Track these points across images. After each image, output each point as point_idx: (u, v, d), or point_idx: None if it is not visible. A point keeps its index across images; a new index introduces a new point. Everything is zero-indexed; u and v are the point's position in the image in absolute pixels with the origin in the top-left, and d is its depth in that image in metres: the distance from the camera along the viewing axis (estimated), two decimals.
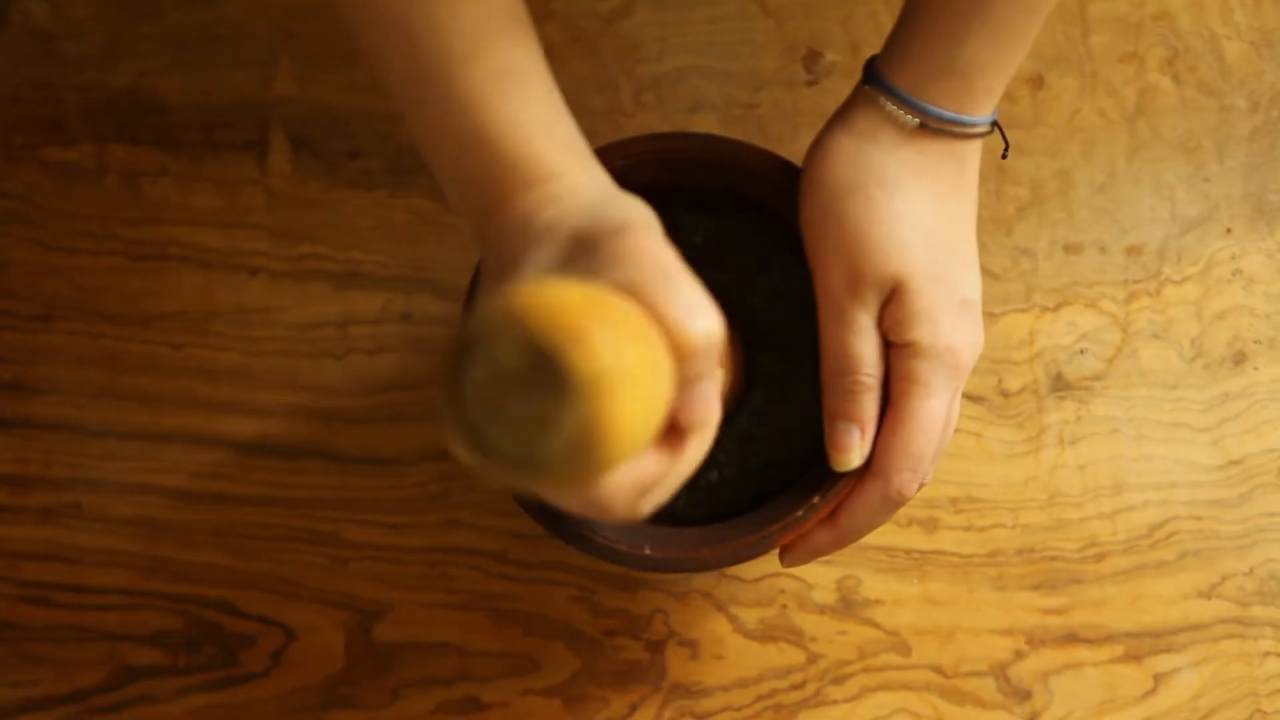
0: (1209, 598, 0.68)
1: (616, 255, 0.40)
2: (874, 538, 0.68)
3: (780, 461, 0.61)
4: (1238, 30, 0.72)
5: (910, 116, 0.52)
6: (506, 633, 0.68)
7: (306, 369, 0.70)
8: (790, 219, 0.59)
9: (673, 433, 0.41)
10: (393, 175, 0.71)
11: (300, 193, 0.71)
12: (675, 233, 0.61)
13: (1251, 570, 0.68)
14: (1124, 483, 0.69)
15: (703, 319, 0.39)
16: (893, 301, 0.52)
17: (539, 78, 0.48)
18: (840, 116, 0.54)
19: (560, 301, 0.32)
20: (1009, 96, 0.71)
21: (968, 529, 0.68)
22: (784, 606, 0.68)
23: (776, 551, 0.57)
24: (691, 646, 0.68)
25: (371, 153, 0.71)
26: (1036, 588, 0.68)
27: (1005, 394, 0.69)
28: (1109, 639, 0.68)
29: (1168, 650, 0.68)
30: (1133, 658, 0.68)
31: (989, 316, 0.69)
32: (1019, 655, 0.68)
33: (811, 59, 0.71)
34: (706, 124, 0.71)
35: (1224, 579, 0.68)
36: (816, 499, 0.56)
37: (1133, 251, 0.70)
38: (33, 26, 0.73)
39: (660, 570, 0.56)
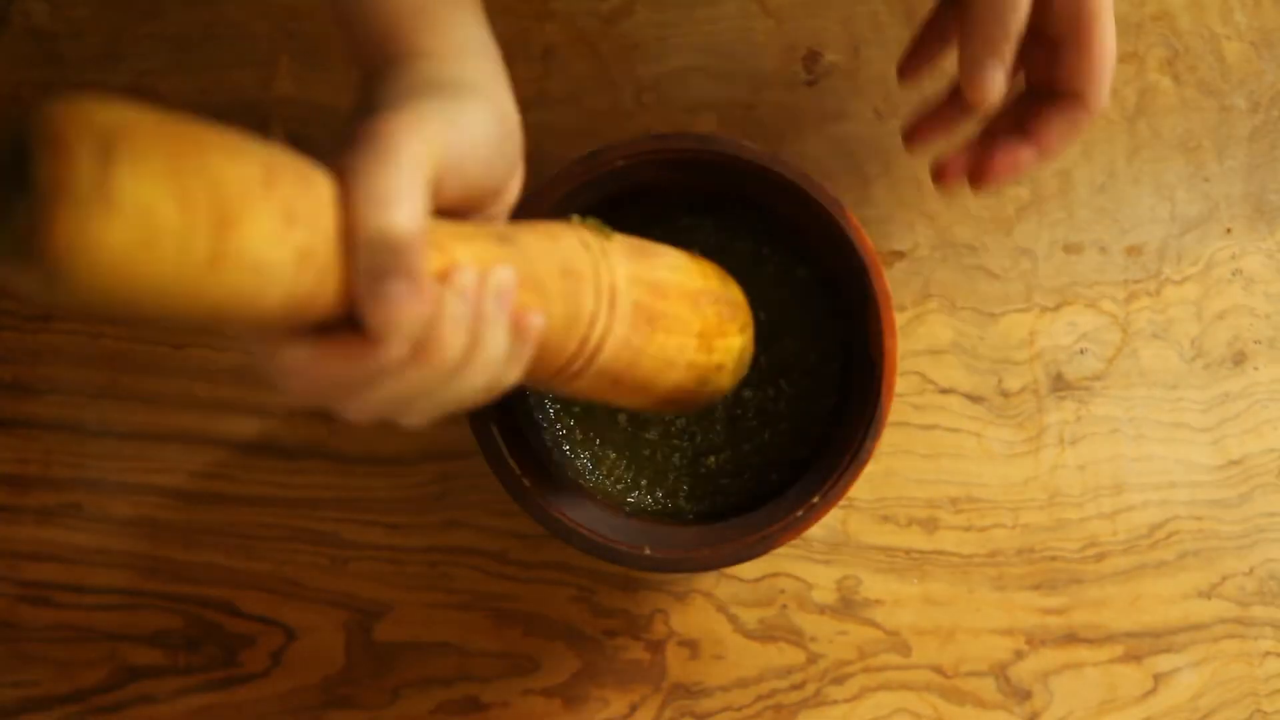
0: (1209, 598, 0.68)
1: (356, 137, 0.39)
2: (874, 538, 0.68)
3: (781, 460, 0.61)
4: (1238, 30, 0.72)
5: None
6: (506, 633, 0.68)
7: None
8: (790, 219, 0.59)
9: (360, 331, 0.38)
10: None
11: None
12: (675, 233, 0.61)
13: (1251, 570, 0.68)
14: (1124, 483, 0.69)
15: (389, 211, 0.36)
16: None
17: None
18: None
19: (100, 119, 0.31)
20: None
21: (968, 529, 0.68)
22: (784, 606, 0.68)
23: (777, 550, 0.57)
24: (691, 646, 0.68)
25: None
26: (1036, 588, 0.68)
27: (1005, 394, 0.69)
28: (1109, 639, 0.68)
29: (1168, 650, 0.68)
30: (1133, 658, 0.68)
31: (988, 316, 0.69)
32: (1019, 655, 0.68)
33: (811, 59, 0.71)
34: (706, 124, 0.71)
35: (1224, 579, 0.68)
36: (816, 499, 0.56)
37: (1133, 251, 0.70)
38: (33, 26, 0.73)
39: (660, 570, 0.56)
